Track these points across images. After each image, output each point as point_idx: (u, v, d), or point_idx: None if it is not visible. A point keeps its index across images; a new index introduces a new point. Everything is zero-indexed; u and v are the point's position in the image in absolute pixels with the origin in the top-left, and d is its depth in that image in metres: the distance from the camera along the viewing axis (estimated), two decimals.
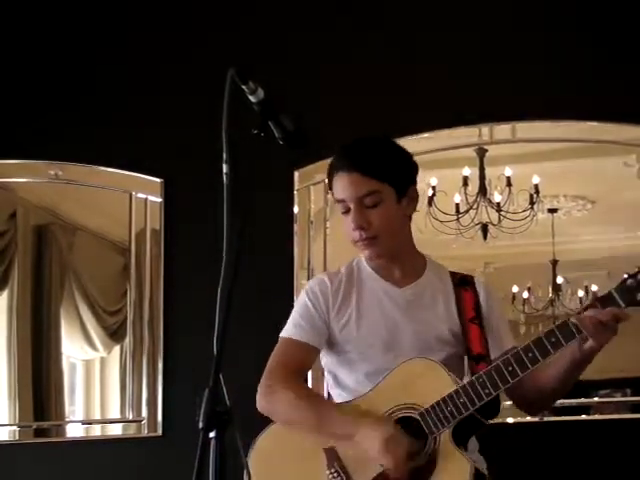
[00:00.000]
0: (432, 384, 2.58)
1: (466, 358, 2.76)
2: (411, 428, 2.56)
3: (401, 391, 2.62)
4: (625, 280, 2.46)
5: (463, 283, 2.81)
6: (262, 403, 2.72)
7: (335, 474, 2.59)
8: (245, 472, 2.38)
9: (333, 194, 2.77)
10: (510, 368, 2.53)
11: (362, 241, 2.71)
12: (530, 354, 2.52)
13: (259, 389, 2.73)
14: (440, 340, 2.72)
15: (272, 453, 2.66)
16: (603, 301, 2.49)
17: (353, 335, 2.75)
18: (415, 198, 2.78)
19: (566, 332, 2.51)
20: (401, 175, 2.74)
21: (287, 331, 2.80)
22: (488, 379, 2.54)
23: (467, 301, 2.77)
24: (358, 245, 2.75)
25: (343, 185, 2.71)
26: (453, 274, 2.84)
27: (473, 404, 2.53)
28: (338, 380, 2.82)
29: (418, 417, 2.57)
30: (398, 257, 2.79)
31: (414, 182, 2.78)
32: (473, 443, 2.70)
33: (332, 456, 2.61)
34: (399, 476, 2.52)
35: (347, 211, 2.72)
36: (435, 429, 2.54)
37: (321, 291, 2.80)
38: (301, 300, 2.83)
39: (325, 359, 2.85)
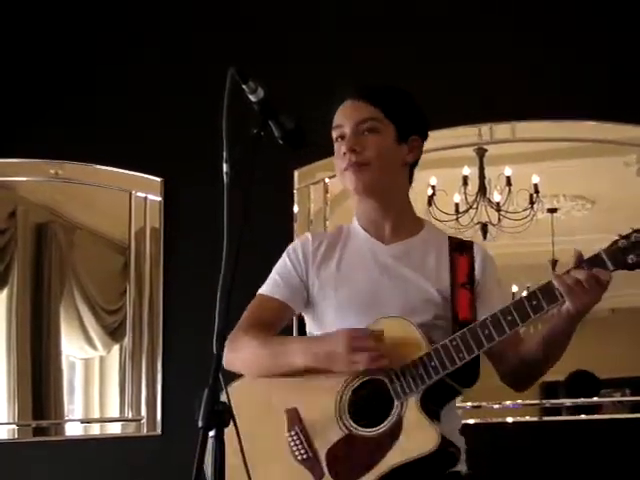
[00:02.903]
0: (404, 345, 2.41)
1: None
2: (378, 392, 2.42)
3: None
4: (616, 241, 2.26)
5: (460, 248, 2.64)
6: (226, 357, 2.48)
7: (295, 437, 2.46)
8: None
9: (331, 124, 2.65)
10: (487, 331, 2.34)
11: (351, 166, 2.57)
12: (509, 317, 2.33)
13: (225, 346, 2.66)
14: (426, 301, 2.54)
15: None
16: (590, 263, 2.27)
17: (331, 293, 2.60)
18: (416, 149, 2.65)
19: (548, 294, 2.32)
20: (407, 118, 2.64)
21: (262, 288, 2.69)
22: (462, 342, 2.36)
23: (461, 266, 2.59)
24: (345, 174, 2.59)
25: (345, 111, 2.63)
26: (452, 239, 2.67)
27: (444, 368, 2.36)
28: None
29: (386, 380, 2.42)
30: (390, 210, 2.64)
31: (419, 133, 2.67)
32: (455, 434, 2.55)
33: (293, 417, 2.48)
34: (379, 367, 2.39)
35: (342, 137, 2.61)
36: (402, 394, 2.39)
37: (302, 248, 2.68)
38: (281, 258, 2.72)
39: (307, 324, 2.73)
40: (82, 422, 4.34)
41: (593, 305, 2.31)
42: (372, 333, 2.41)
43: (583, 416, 3.77)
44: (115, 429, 4.23)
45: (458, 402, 3.79)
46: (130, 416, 4.16)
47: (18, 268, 4.37)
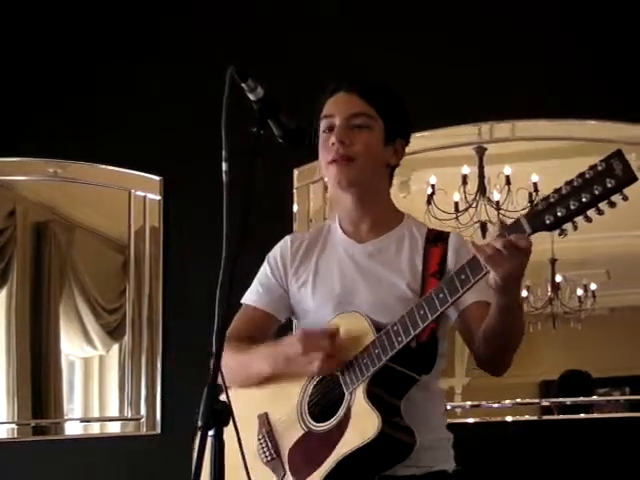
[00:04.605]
0: (356, 337, 2.41)
1: None
2: (334, 385, 2.43)
3: None
4: (536, 204, 2.20)
5: (436, 239, 2.60)
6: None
7: (262, 440, 2.49)
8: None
9: (319, 116, 2.63)
10: (422, 311, 2.32)
11: (338, 160, 2.54)
12: (441, 295, 2.29)
13: None
14: (400, 298, 2.51)
15: None
16: (509, 230, 2.22)
17: (309, 296, 2.61)
18: (400, 152, 2.64)
19: (474, 266, 2.24)
20: (397, 120, 2.62)
21: (245, 297, 2.69)
22: (401, 325, 2.34)
23: (434, 256, 2.55)
24: (330, 168, 2.57)
25: (337, 102, 2.61)
26: (430, 231, 2.64)
27: (386, 354, 2.35)
28: None
29: (338, 373, 2.42)
30: (369, 207, 2.62)
31: (404, 137, 2.65)
32: (439, 429, 2.53)
33: (263, 422, 2.51)
34: (334, 364, 2.40)
35: (330, 128, 2.58)
36: (351, 384, 2.39)
37: (280, 253, 2.69)
38: (263, 265, 2.72)
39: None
40: (82, 421, 4.34)
41: (518, 271, 2.23)
42: (326, 331, 2.42)
43: (582, 415, 3.76)
44: (114, 428, 4.24)
45: (457, 401, 3.84)
46: (129, 415, 4.16)
47: (17, 267, 4.37)
